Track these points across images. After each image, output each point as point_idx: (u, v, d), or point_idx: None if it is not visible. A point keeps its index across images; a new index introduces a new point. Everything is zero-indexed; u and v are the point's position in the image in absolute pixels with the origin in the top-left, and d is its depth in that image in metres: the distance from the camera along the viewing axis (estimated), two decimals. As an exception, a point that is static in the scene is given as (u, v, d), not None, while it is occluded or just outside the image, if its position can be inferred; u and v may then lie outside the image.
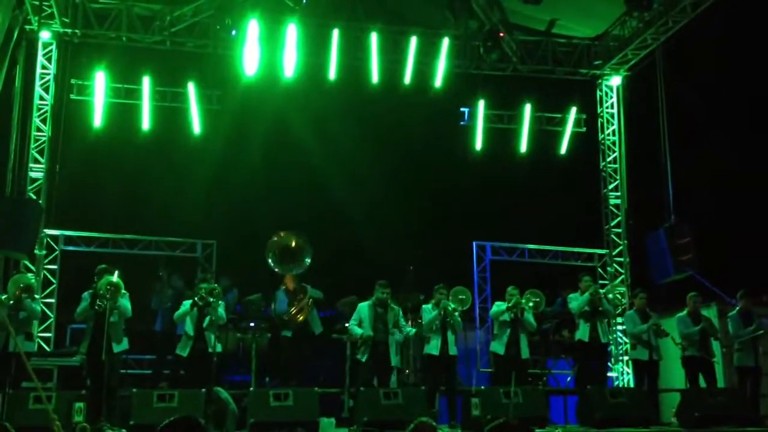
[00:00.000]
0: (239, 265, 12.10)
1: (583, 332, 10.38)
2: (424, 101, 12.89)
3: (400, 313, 9.78)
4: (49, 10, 11.63)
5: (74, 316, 9.15)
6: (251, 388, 9.29)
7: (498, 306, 10.34)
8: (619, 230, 13.69)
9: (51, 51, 12.22)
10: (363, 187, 13.54)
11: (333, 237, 13.05)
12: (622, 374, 13.04)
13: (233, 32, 11.92)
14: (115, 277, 8.81)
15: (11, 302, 8.71)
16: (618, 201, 13.79)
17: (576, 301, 10.48)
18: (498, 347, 10.20)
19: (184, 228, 12.55)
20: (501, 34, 12.63)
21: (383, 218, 13.52)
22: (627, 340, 12.03)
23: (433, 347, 9.71)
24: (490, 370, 11.76)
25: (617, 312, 12.61)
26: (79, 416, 7.96)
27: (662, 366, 10.58)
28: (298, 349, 10.59)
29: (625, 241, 13.60)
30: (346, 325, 10.41)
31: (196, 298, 9.23)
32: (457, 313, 9.72)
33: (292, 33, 12.02)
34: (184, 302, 9.46)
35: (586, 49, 13.83)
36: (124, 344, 8.98)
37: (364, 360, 9.50)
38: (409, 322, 10.48)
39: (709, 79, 12.74)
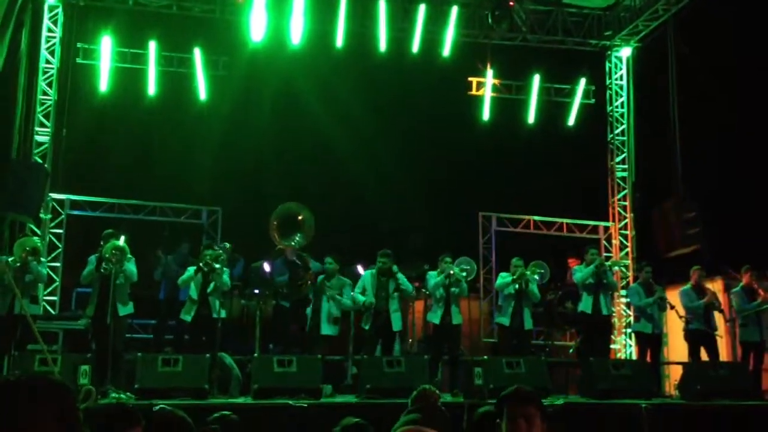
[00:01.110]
0: (244, 232, 12.09)
1: (585, 304, 10.38)
2: (432, 70, 12.80)
3: (401, 278, 9.74)
4: (55, -27, 11.56)
5: (80, 279, 9.19)
6: (255, 354, 9.33)
7: (503, 278, 10.34)
8: (626, 203, 13.64)
9: (57, 14, 12.11)
10: (369, 156, 13.46)
11: (338, 205, 13.03)
12: (625, 347, 13.07)
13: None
14: (121, 242, 8.84)
15: (18, 264, 8.74)
16: (625, 174, 13.72)
17: (580, 272, 10.48)
18: (503, 319, 10.22)
19: (189, 194, 12.55)
20: (511, 3, 12.49)
21: (389, 187, 13.48)
22: (630, 313, 12.03)
23: (434, 316, 9.79)
24: (493, 340, 11.82)
25: (621, 285, 12.61)
26: (85, 379, 7.98)
27: (664, 339, 10.59)
28: (297, 318, 10.62)
29: (632, 214, 13.55)
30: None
31: (201, 264, 9.24)
32: (463, 280, 9.76)
33: (299, -1, 11.92)
34: (189, 268, 9.48)
35: (596, 20, 13.65)
36: (130, 308, 9.00)
37: (368, 328, 9.57)
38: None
39: (720, 51, 12.56)
